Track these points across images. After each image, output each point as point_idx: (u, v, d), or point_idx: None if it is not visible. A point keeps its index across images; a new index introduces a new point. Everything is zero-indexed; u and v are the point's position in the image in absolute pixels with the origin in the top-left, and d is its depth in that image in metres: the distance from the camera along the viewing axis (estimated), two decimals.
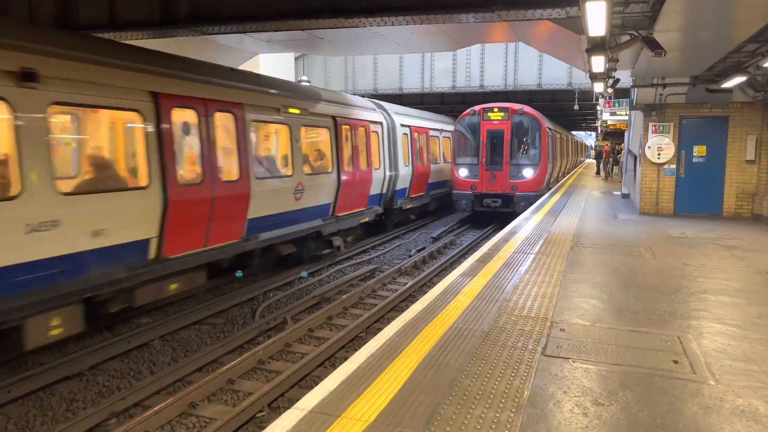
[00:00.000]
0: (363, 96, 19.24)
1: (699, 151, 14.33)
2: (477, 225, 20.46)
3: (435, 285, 6.98)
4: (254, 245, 10.36)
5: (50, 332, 6.84)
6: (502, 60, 22.79)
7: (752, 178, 13.91)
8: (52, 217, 6.50)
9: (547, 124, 20.27)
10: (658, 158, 14.44)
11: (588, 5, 5.83)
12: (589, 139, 75.53)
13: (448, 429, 3.41)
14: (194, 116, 8.90)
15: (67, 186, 6.96)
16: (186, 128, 8.83)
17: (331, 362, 7.78)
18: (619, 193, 20.96)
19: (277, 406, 6.48)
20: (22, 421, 6.11)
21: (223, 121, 9.61)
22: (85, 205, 6.96)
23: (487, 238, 17.37)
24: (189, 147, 8.99)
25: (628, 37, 8.45)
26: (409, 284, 11.54)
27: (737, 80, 11.43)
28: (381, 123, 16.32)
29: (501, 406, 3.73)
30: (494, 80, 22.96)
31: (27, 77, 6.22)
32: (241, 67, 14.53)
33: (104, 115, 7.84)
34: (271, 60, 22.21)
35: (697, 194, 14.40)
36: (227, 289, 10.96)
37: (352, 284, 11.80)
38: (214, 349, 7.94)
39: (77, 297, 7.02)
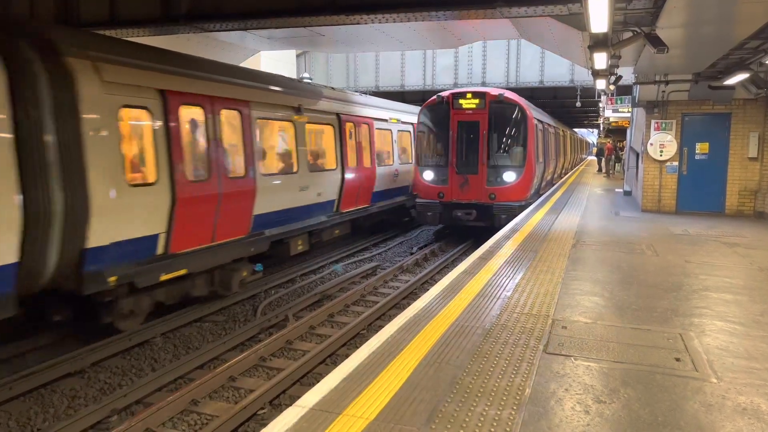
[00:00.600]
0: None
1: (701, 148, 14.28)
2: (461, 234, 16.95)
3: (437, 282, 6.96)
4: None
5: (298, 247, 11.86)
6: (504, 57, 22.76)
7: (755, 175, 13.87)
8: (306, 184, 11.61)
9: (534, 114, 16.33)
10: (661, 155, 14.40)
11: (590, 1, 5.81)
12: (591, 136, 75.34)
13: (449, 427, 3.40)
14: None
15: (313, 167, 12.06)
16: None
17: (332, 360, 7.78)
18: (621, 190, 20.93)
19: (278, 403, 6.49)
20: (23, 418, 6.12)
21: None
22: (316, 179, 12.06)
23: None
24: None
25: (630, 34, 8.44)
26: (410, 282, 11.53)
27: (740, 77, 11.40)
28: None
29: (502, 403, 3.72)
30: (496, 77, 22.93)
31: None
32: (243, 65, 14.55)
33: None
34: (273, 57, 22.19)
35: (700, 191, 14.36)
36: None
37: (353, 281, 11.80)
38: (216, 347, 7.94)
39: (307, 230, 12.02)
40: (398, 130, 17.55)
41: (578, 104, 25.41)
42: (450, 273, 7.39)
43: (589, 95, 24.61)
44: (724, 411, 3.69)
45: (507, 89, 18.44)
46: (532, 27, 13.32)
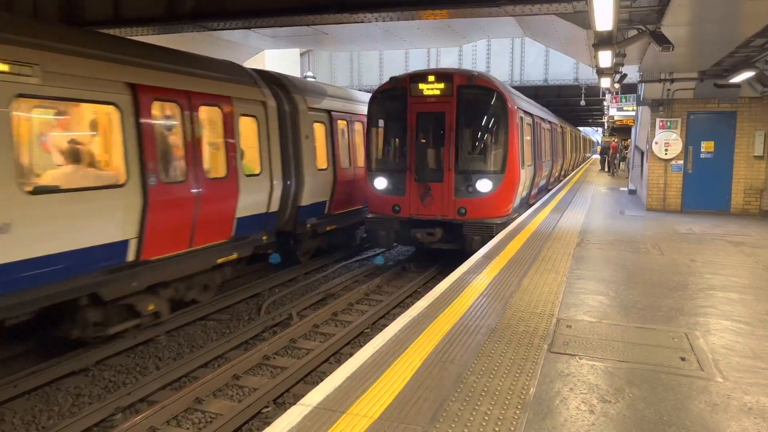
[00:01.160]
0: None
1: (707, 146, 14.23)
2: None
3: (440, 281, 6.96)
4: None
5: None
6: (508, 55, 22.70)
7: (760, 174, 13.81)
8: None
9: (519, 104, 12.92)
10: (666, 154, 14.35)
11: None
12: (595, 134, 75.17)
13: (453, 426, 3.40)
14: None
15: None
16: None
17: (336, 358, 7.78)
18: (625, 189, 20.87)
19: (282, 401, 6.49)
20: (28, 415, 6.14)
21: None
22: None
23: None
24: None
25: (635, 32, 8.41)
26: (415, 281, 11.52)
27: (745, 75, 11.35)
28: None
29: (506, 403, 3.71)
30: (500, 76, 22.84)
31: None
32: (246, 64, 14.50)
33: None
34: (277, 56, 22.21)
35: (705, 190, 14.30)
36: (233, 284, 10.97)
37: (357, 280, 11.79)
38: (220, 345, 7.95)
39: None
40: None
41: (583, 103, 25.34)
42: (454, 272, 7.38)
43: (594, 94, 24.55)
44: (730, 411, 3.67)
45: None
46: (537, 25, 13.27)
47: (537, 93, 24.80)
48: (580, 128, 56.16)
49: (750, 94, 13.44)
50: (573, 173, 31.89)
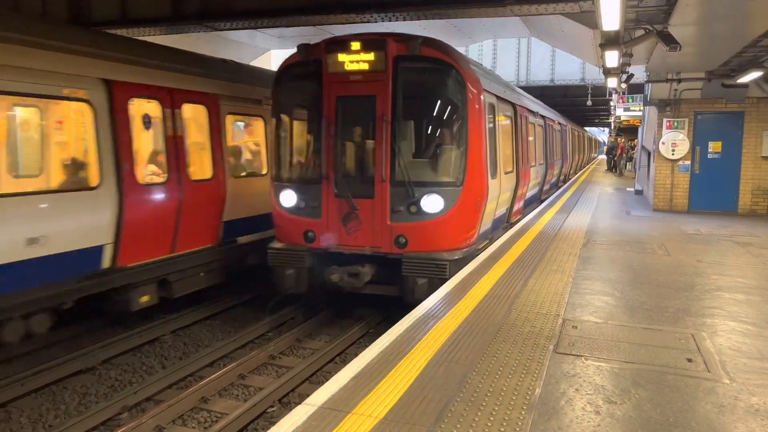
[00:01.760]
0: None
1: (714, 147, 14.16)
2: None
3: (447, 281, 6.95)
4: None
5: None
6: (514, 55, 22.69)
7: None
8: None
9: (487, 85, 8.61)
10: (673, 154, 14.29)
11: None
12: (602, 134, 74.94)
13: (458, 426, 3.39)
14: None
15: None
16: None
17: (341, 358, 7.78)
18: (632, 189, 20.79)
19: (287, 401, 6.50)
20: (35, 414, 6.17)
21: None
22: None
23: None
24: None
25: (642, 32, 8.37)
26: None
27: (753, 75, 11.30)
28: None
29: (512, 403, 3.70)
30: (506, 76, 22.77)
31: None
32: (253, 63, 14.52)
33: None
34: (283, 56, 22.24)
35: (712, 191, 14.23)
36: (237, 285, 10.98)
37: None
38: (225, 344, 7.97)
39: None
40: None
41: (589, 103, 25.29)
42: (459, 272, 7.37)
43: (601, 94, 24.50)
44: (737, 412, 3.65)
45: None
46: (543, 25, 13.25)
47: (543, 92, 24.75)
48: (587, 128, 56.03)
49: (758, 94, 13.37)
50: (577, 175, 31.78)
